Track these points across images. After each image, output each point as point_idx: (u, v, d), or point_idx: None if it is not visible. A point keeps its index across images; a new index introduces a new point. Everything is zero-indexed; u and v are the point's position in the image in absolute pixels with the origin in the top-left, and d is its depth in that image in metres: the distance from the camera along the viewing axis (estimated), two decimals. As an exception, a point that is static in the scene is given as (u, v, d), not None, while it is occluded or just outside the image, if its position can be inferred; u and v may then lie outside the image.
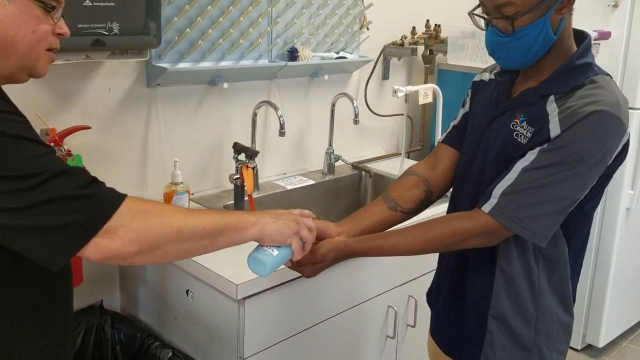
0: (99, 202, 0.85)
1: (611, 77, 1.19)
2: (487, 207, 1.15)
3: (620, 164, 1.19)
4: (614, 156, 1.14)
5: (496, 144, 1.22)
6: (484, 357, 1.27)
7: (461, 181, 1.34)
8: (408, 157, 2.61)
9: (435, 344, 1.44)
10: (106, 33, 1.49)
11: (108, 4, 1.48)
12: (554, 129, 1.11)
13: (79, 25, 1.44)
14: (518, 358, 1.25)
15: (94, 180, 0.88)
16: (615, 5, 2.50)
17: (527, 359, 1.25)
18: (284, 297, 1.54)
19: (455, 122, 1.41)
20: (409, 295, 1.92)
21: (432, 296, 1.47)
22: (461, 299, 1.32)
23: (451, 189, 1.39)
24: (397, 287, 1.87)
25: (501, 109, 1.23)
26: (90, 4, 1.44)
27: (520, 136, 1.17)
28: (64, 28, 0.95)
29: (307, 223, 1.12)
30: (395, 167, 2.32)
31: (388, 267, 1.82)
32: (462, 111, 1.42)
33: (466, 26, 2.58)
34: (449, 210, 1.38)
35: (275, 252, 1.08)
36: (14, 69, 0.91)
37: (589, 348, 2.87)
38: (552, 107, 1.14)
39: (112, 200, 0.87)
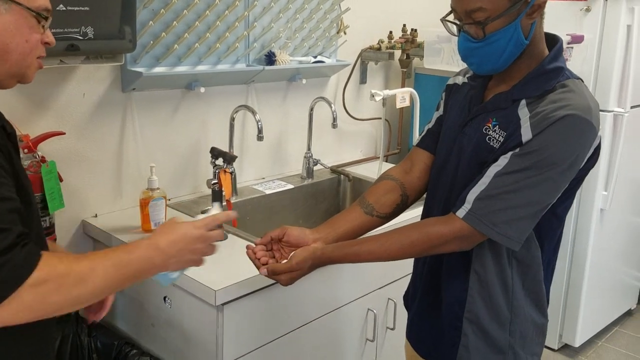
0: (3, 275, 0.81)
1: (582, 81, 1.20)
2: (461, 212, 1.15)
3: (592, 167, 1.20)
4: (585, 159, 1.15)
5: (469, 148, 1.23)
6: None
7: (434, 185, 1.34)
8: (386, 161, 2.63)
9: (412, 347, 1.44)
10: (80, 38, 1.47)
11: (82, 9, 1.46)
12: (526, 133, 1.12)
13: (52, 30, 1.41)
14: None
15: (13, 245, 0.83)
16: (588, 10, 2.54)
17: None
18: (263, 302, 1.53)
19: (430, 125, 1.42)
20: (388, 298, 1.93)
21: (408, 299, 1.47)
22: (436, 302, 1.33)
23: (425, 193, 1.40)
24: (376, 290, 1.88)
25: (473, 113, 1.24)
26: (64, 8, 1.42)
27: (493, 140, 1.18)
28: (50, 37, 0.99)
29: (214, 234, 1.09)
30: (373, 171, 2.33)
31: (367, 271, 1.82)
32: (436, 114, 1.42)
33: (442, 31, 2.58)
34: (423, 214, 1.39)
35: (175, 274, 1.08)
36: (5, 75, 0.95)
37: (565, 348, 2.91)
38: (523, 112, 1.15)
39: (19, 274, 0.82)
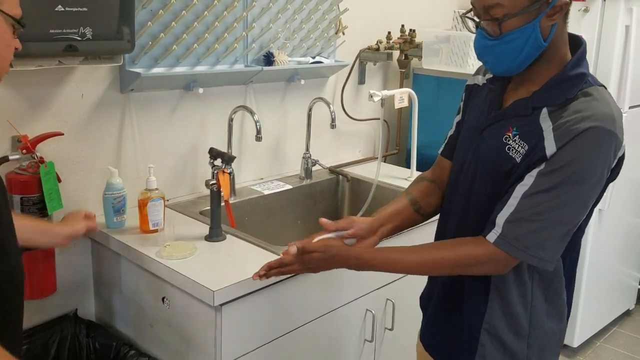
0: None
1: (605, 88, 1.16)
2: (492, 237, 1.12)
3: (615, 179, 1.16)
4: (610, 171, 1.12)
5: (488, 157, 1.20)
6: None
7: (452, 191, 1.32)
8: (385, 161, 2.63)
9: (424, 349, 1.43)
10: (79, 38, 1.47)
11: (81, 9, 1.46)
12: (550, 146, 1.08)
13: (51, 31, 1.42)
14: None
15: None
16: (586, 10, 2.55)
17: None
18: (262, 303, 1.53)
19: (452, 132, 1.40)
20: (387, 299, 1.93)
21: (424, 301, 1.46)
22: (454, 310, 1.31)
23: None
24: (374, 291, 1.88)
25: (492, 119, 1.20)
26: (63, 9, 1.42)
27: (513, 151, 1.14)
28: (19, 44, 1.05)
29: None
30: (372, 171, 2.33)
31: (365, 272, 1.82)
32: (456, 119, 1.40)
33: (440, 31, 2.61)
34: (440, 222, 1.38)
35: None
36: None
37: (564, 348, 2.91)
38: (546, 122, 1.11)
39: None
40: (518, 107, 1.17)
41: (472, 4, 1.15)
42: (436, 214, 1.40)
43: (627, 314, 3.30)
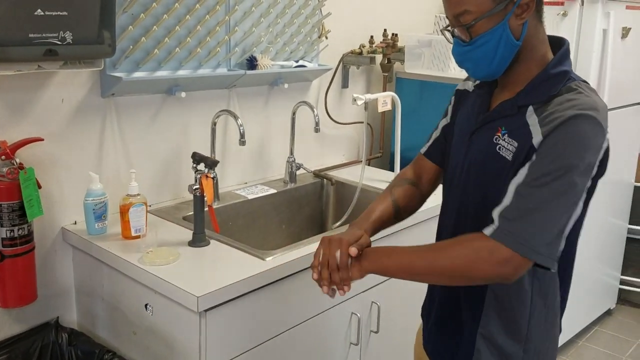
0: None
1: (588, 84, 1.17)
2: (488, 230, 1.10)
3: (602, 175, 1.16)
4: (597, 162, 1.11)
5: (479, 159, 1.21)
6: None
7: (446, 197, 1.34)
8: (369, 165, 2.63)
9: (428, 356, 1.43)
10: (59, 43, 1.45)
11: (60, 13, 1.44)
12: (536, 135, 1.10)
13: (30, 35, 1.40)
14: None
15: None
16: (565, 14, 2.58)
17: None
18: (246, 308, 1.52)
19: (437, 134, 1.42)
20: (372, 302, 1.93)
21: (425, 310, 1.45)
22: (453, 316, 1.31)
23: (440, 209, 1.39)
24: (360, 294, 1.88)
25: (480, 122, 1.22)
26: (42, 13, 1.41)
27: (504, 150, 1.15)
28: None
29: None
30: (356, 175, 2.33)
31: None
32: (442, 122, 1.41)
33: (422, 35, 2.63)
34: (437, 229, 1.38)
35: None
36: None
37: (547, 348, 2.94)
38: (532, 118, 1.13)
39: None
40: (504, 107, 1.19)
41: (445, 15, 1.18)
42: (410, 216, 1.43)
43: (608, 313, 3.35)
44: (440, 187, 1.42)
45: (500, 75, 1.19)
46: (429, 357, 1.43)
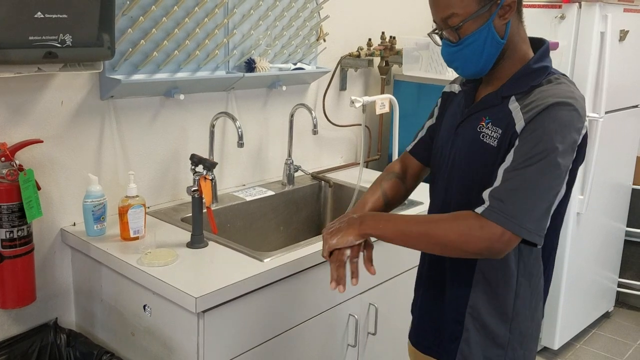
0: None
1: (567, 77, 1.25)
2: (479, 209, 1.14)
3: (581, 162, 1.24)
4: (577, 143, 1.17)
5: (464, 150, 1.27)
6: (460, 354, 1.31)
7: (432, 190, 1.41)
8: (367, 167, 2.64)
9: (413, 347, 1.47)
10: (58, 45, 1.46)
11: (60, 16, 1.45)
12: (519, 123, 1.16)
13: (30, 38, 1.41)
14: (493, 355, 1.30)
15: None
16: (563, 17, 2.59)
17: (501, 356, 1.30)
18: (244, 309, 1.53)
19: (422, 133, 1.49)
20: (370, 303, 1.94)
21: (414, 305, 1.50)
22: (439, 298, 1.36)
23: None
24: (357, 296, 1.89)
25: (465, 114, 1.29)
26: (42, 15, 1.41)
27: (487, 137, 1.22)
28: None
29: None
30: (354, 177, 2.34)
31: (347, 276, 1.82)
32: (428, 122, 1.48)
33: (420, 38, 2.64)
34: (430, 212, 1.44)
35: None
36: None
37: (544, 350, 2.95)
38: (514, 106, 1.19)
39: None
40: (488, 99, 1.26)
41: (433, 19, 1.25)
42: (395, 207, 1.51)
43: (606, 316, 3.35)
44: (424, 184, 1.50)
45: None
46: (414, 346, 1.47)
